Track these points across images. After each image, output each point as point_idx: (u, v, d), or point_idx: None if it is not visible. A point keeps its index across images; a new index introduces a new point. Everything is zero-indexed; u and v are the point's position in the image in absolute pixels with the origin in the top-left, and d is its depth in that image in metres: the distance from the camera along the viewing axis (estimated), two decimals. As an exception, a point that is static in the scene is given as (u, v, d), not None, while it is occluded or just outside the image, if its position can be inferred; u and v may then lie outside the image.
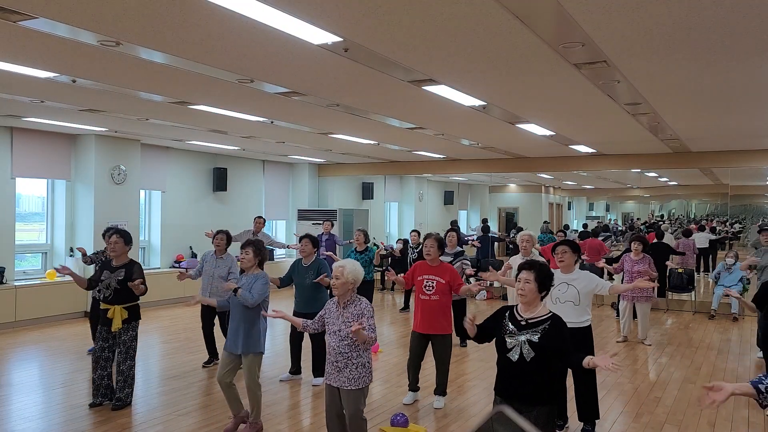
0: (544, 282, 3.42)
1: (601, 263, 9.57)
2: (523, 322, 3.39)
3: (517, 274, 3.53)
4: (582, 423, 5.03)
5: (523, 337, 3.34)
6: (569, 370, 4.93)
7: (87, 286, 5.73)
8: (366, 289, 8.86)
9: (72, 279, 5.65)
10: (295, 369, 6.55)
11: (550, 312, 3.44)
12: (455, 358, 7.67)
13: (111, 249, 5.51)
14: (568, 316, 4.83)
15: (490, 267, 6.17)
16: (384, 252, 10.26)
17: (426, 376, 6.22)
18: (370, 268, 8.90)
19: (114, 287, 5.42)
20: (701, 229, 14.17)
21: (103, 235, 7.30)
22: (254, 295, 4.80)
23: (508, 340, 3.39)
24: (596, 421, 5.04)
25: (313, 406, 5.74)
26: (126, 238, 5.59)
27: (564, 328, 3.40)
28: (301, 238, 6.43)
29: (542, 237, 13.92)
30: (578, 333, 4.84)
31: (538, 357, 3.30)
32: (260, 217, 9.87)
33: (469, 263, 7.78)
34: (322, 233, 10.92)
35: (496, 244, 15.44)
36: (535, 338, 3.31)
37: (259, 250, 4.99)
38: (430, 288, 5.50)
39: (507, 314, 3.49)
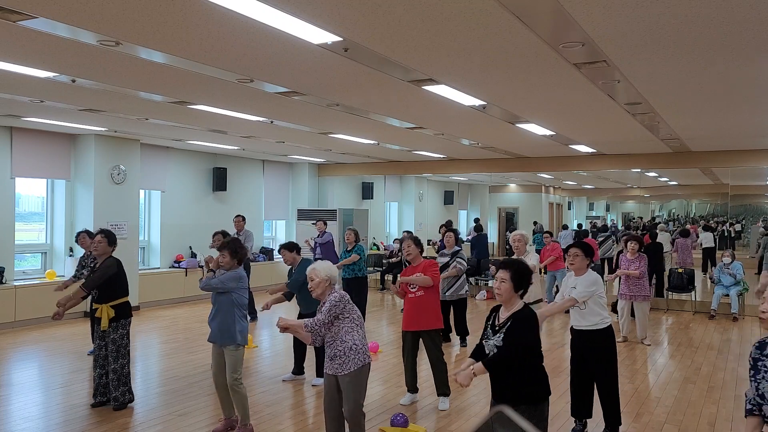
0: (520, 281, 3.43)
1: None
2: (497, 327, 3.45)
3: (495, 273, 3.58)
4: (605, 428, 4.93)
5: (492, 341, 3.42)
6: (593, 375, 4.89)
7: (85, 295, 5.58)
8: (359, 285, 8.88)
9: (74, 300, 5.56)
10: (298, 369, 6.55)
11: (519, 308, 3.44)
12: (455, 358, 7.67)
13: (94, 248, 5.56)
14: (575, 319, 4.84)
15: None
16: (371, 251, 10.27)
17: (426, 376, 6.21)
18: (361, 264, 8.92)
19: None
20: (707, 229, 14.12)
21: (76, 239, 7.44)
22: (212, 282, 4.86)
23: (485, 344, 3.49)
24: (619, 426, 4.91)
25: (313, 406, 5.73)
26: (110, 238, 5.59)
27: (524, 321, 3.37)
28: (279, 250, 6.50)
29: (536, 237, 13.95)
30: (594, 336, 4.78)
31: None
32: (239, 215, 9.90)
33: (463, 263, 7.83)
34: (318, 234, 10.85)
35: (493, 244, 15.42)
36: (500, 341, 3.37)
37: (235, 251, 4.96)
38: (414, 286, 5.62)
39: (493, 316, 3.56)
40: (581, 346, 4.88)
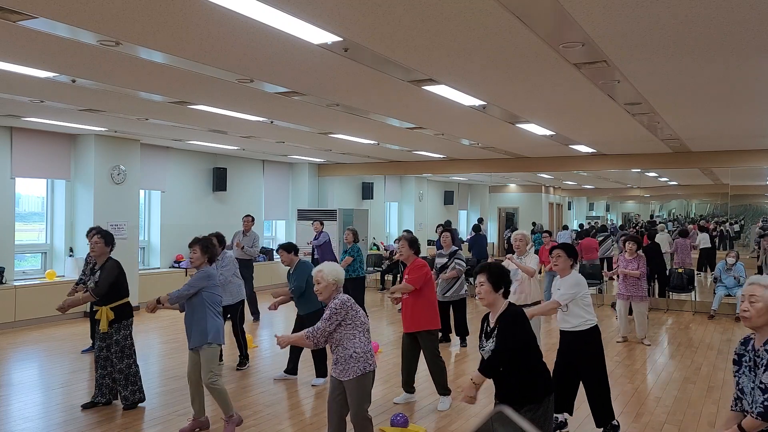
0: (498, 281, 3.46)
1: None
2: (489, 333, 3.50)
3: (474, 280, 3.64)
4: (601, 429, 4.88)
5: (487, 347, 3.46)
6: (579, 375, 4.89)
7: (95, 300, 5.61)
8: (357, 285, 8.87)
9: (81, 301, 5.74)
10: (291, 368, 6.50)
11: (504, 308, 3.47)
12: (455, 358, 7.67)
13: (91, 249, 5.52)
14: (560, 320, 4.91)
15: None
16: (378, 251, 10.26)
17: (426, 376, 6.21)
18: (356, 265, 8.91)
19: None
20: (702, 229, 14.15)
21: (87, 235, 7.36)
22: (180, 290, 4.89)
23: (481, 352, 3.54)
24: (613, 423, 4.84)
25: (313, 406, 5.73)
26: (107, 238, 5.55)
27: (511, 320, 3.40)
28: (277, 250, 6.47)
29: (536, 238, 13.95)
30: (577, 337, 4.79)
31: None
32: (248, 215, 9.83)
33: (462, 263, 7.80)
34: (314, 236, 10.75)
35: (493, 244, 15.43)
36: (494, 346, 3.41)
37: (206, 248, 4.99)
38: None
39: (484, 323, 3.61)
40: (566, 347, 4.92)
